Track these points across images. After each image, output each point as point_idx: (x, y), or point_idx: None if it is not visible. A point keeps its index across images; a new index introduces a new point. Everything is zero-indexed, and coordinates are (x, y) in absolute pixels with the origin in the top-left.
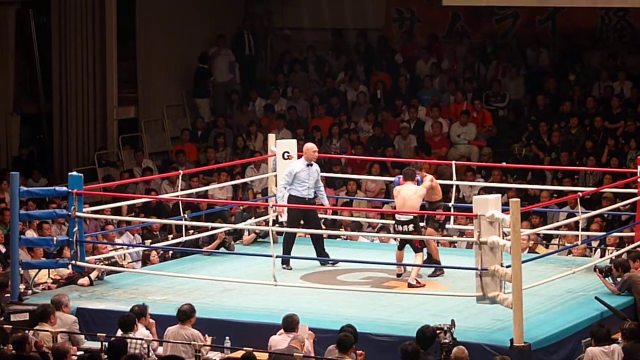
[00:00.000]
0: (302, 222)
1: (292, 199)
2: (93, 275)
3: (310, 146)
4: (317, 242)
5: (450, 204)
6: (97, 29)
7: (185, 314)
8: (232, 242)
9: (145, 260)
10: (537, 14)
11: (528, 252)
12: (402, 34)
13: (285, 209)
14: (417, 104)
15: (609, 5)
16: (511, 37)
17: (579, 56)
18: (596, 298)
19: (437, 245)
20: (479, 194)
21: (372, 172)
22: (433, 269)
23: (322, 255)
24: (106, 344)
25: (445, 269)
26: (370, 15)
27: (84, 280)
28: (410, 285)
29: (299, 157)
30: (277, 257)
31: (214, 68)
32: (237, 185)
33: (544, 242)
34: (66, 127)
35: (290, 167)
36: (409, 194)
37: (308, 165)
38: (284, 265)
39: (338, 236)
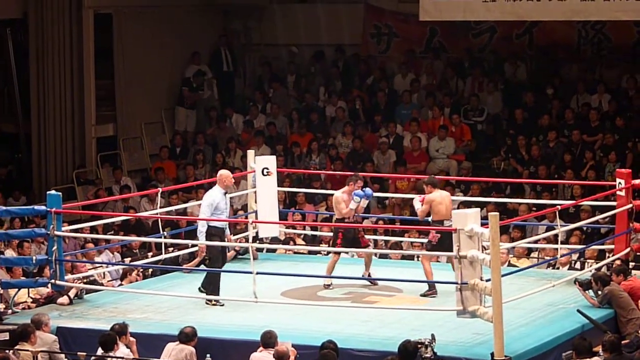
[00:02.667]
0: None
1: (212, 229)
2: (72, 293)
3: (226, 174)
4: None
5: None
6: (75, 47)
7: (187, 336)
8: None
9: (124, 278)
10: (514, 28)
11: (508, 266)
12: (379, 49)
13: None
14: (394, 125)
15: (586, 19)
16: (488, 51)
17: (556, 70)
18: (578, 311)
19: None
20: (458, 208)
21: None
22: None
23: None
24: None
25: (425, 283)
26: (347, 31)
27: (63, 299)
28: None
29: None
30: (257, 273)
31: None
32: None
33: (527, 256)
34: (44, 146)
35: (211, 198)
36: None
37: (225, 193)
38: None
39: (318, 252)
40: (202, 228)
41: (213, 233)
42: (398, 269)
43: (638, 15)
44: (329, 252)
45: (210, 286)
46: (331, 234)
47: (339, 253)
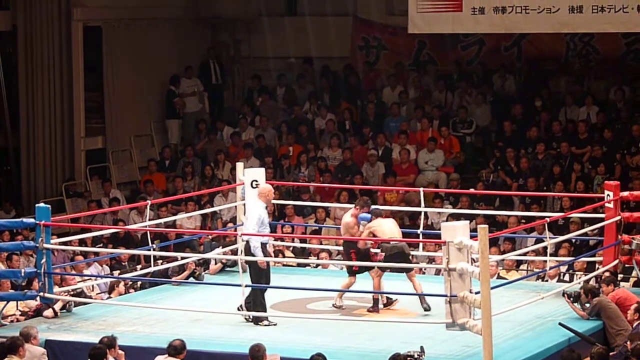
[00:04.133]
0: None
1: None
2: (57, 306)
3: (269, 187)
4: None
5: (419, 231)
6: (64, 60)
7: (176, 349)
8: (202, 272)
9: (111, 292)
10: (502, 40)
11: (497, 278)
12: (368, 61)
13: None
14: (385, 130)
15: (574, 31)
16: (477, 63)
17: (545, 82)
18: (560, 324)
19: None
20: (447, 220)
21: (341, 199)
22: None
23: None
24: None
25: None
26: (336, 43)
27: (49, 312)
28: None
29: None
30: (246, 286)
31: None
32: (205, 214)
33: (516, 268)
34: (33, 159)
35: (258, 213)
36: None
37: (266, 207)
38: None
39: (308, 264)
40: (256, 243)
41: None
42: (387, 282)
43: (626, 27)
44: (317, 265)
45: (260, 306)
46: (320, 246)
47: (354, 274)
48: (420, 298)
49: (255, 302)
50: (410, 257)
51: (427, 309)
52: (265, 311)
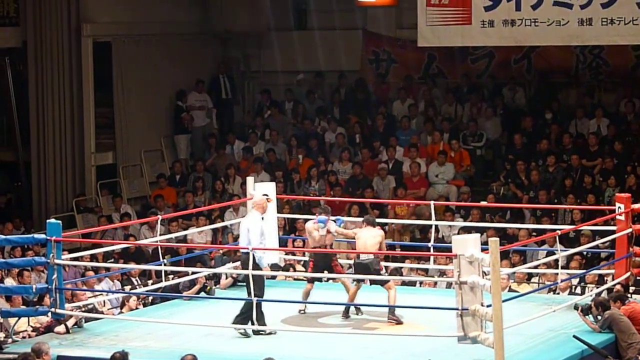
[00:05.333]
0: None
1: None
2: (70, 322)
3: (263, 198)
4: None
5: (430, 244)
6: (74, 75)
7: None
8: (213, 287)
9: (123, 307)
10: (512, 53)
11: (508, 291)
12: (378, 75)
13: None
14: (395, 143)
15: (584, 44)
16: (487, 76)
17: (555, 94)
18: (575, 337)
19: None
20: (458, 233)
21: (352, 213)
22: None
23: None
24: None
25: (426, 309)
26: (346, 57)
27: (60, 328)
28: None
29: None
30: (257, 300)
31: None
32: (216, 229)
33: (527, 281)
34: (44, 174)
35: (258, 225)
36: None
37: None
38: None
39: (319, 279)
40: (262, 254)
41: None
42: (398, 295)
43: (636, 40)
44: (329, 279)
45: (260, 317)
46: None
47: (312, 281)
48: (390, 309)
49: (256, 313)
50: (380, 272)
51: (398, 322)
52: (264, 322)
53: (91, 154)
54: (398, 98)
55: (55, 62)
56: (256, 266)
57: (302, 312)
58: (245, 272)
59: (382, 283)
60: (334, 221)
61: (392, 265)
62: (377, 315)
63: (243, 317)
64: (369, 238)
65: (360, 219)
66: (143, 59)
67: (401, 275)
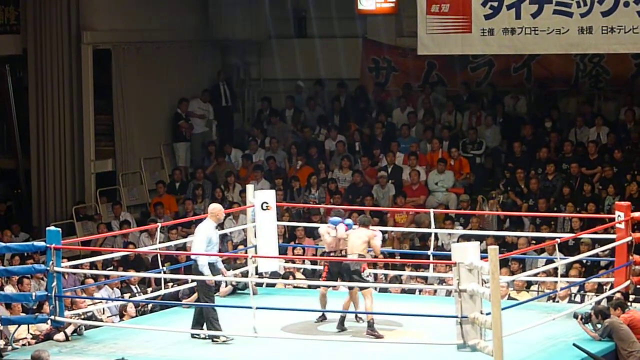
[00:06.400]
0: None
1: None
2: (69, 330)
3: (219, 207)
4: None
5: (429, 252)
6: (74, 83)
7: None
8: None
9: (122, 314)
10: (512, 61)
11: (508, 299)
12: (378, 83)
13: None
14: (395, 149)
15: (584, 52)
16: (486, 85)
17: (554, 103)
18: (575, 345)
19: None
20: (457, 241)
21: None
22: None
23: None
24: None
25: (425, 317)
26: (346, 65)
27: (60, 336)
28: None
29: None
30: (257, 308)
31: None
32: None
33: (526, 289)
34: (44, 182)
35: (206, 232)
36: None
37: (216, 227)
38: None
39: (318, 286)
40: (203, 262)
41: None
42: (398, 303)
43: (636, 48)
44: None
45: (213, 323)
46: None
47: (326, 286)
48: (369, 323)
49: (209, 320)
50: (362, 272)
51: (378, 336)
52: (220, 328)
53: (91, 161)
54: (398, 106)
55: (55, 69)
56: (199, 273)
57: (320, 319)
58: (244, 279)
59: (362, 287)
60: (347, 225)
61: (392, 272)
62: (376, 323)
63: (198, 324)
64: (356, 239)
65: None
66: (143, 67)
67: (401, 282)
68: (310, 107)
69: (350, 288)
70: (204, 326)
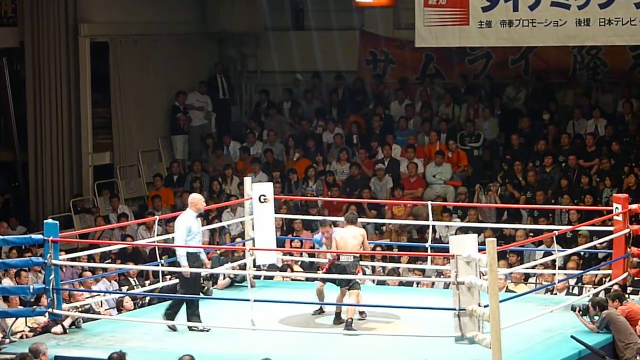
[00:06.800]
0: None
1: (187, 255)
2: (66, 323)
3: (198, 197)
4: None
5: (427, 245)
6: (72, 76)
7: None
8: (210, 287)
9: (119, 307)
10: (509, 53)
11: (505, 291)
12: (375, 75)
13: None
14: (392, 141)
15: (581, 44)
16: (484, 77)
17: (552, 95)
18: (572, 337)
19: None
20: (455, 234)
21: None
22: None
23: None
24: None
25: (423, 309)
26: (343, 57)
27: (57, 329)
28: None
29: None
30: (255, 301)
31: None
32: (213, 229)
33: (524, 281)
34: (41, 175)
35: (185, 222)
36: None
37: (197, 216)
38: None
39: (316, 279)
40: (182, 252)
41: (188, 259)
42: (395, 295)
43: (633, 40)
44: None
45: (194, 313)
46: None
47: (323, 280)
48: (347, 322)
49: (187, 310)
50: (356, 275)
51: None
52: (200, 320)
53: (88, 154)
54: (396, 98)
55: (52, 62)
56: (177, 264)
57: (318, 312)
58: (242, 272)
59: (350, 287)
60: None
61: (390, 265)
62: (374, 316)
63: (170, 313)
64: (350, 238)
65: (361, 220)
66: (140, 59)
67: (398, 275)
68: (308, 100)
69: (343, 286)
70: (190, 318)
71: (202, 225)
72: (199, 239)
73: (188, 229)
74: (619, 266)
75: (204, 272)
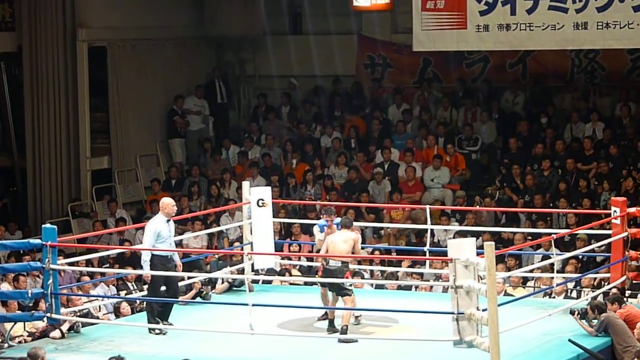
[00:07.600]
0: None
1: (154, 259)
2: (65, 327)
3: (168, 201)
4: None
5: (425, 249)
6: (70, 80)
7: None
8: (209, 292)
9: (117, 312)
10: (507, 57)
11: (504, 295)
12: (373, 79)
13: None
14: (390, 145)
15: (579, 48)
16: (482, 81)
17: (550, 99)
18: (570, 341)
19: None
20: (453, 238)
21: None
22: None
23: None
24: None
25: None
26: (341, 61)
27: (55, 333)
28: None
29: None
30: (253, 305)
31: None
32: (212, 233)
33: (523, 285)
34: (40, 179)
35: (153, 226)
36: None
37: (168, 221)
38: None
39: (314, 283)
40: (146, 257)
41: (155, 262)
42: (394, 299)
43: (631, 43)
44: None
45: (159, 314)
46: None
47: (324, 285)
48: (342, 329)
49: (151, 312)
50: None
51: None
52: (159, 322)
53: (86, 158)
54: (393, 102)
55: (50, 66)
56: (140, 267)
57: (324, 317)
58: (241, 276)
59: (342, 294)
60: (337, 225)
61: (388, 269)
62: (372, 320)
63: (161, 311)
64: (340, 243)
65: (359, 224)
66: (138, 64)
67: (397, 279)
68: (306, 110)
69: (332, 291)
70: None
71: (200, 230)
72: (170, 242)
73: (156, 233)
74: (617, 269)
75: (202, 277)
